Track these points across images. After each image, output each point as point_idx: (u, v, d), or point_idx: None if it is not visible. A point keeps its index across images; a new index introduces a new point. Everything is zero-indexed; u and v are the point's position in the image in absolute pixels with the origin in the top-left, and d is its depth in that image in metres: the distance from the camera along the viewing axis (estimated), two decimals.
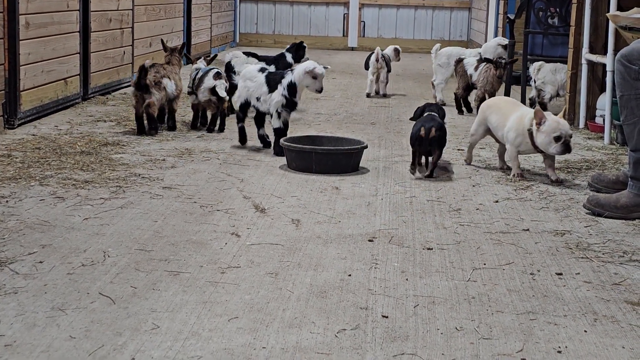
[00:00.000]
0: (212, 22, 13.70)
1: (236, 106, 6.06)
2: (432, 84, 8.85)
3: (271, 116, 5.75)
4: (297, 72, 5.68)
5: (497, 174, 5.48)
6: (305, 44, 7.91)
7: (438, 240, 4.01)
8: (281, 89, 5.69)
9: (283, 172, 5.34)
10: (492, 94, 7.96)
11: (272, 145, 5.86)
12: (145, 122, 6.33)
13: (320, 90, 5.68)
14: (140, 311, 3.02)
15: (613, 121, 6.68)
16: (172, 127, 6.63)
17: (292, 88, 5.68)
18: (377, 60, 8.99)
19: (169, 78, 6.48)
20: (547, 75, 7.95)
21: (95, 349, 2.71)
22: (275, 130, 5.78)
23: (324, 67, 5.72)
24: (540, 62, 8.11)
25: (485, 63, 7.97)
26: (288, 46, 7.85)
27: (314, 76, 5.63)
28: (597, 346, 2.88)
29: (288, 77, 5.70)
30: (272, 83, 5.75)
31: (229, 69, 7.40)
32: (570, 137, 5.13)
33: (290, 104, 5.72)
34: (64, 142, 5.88)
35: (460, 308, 3.17)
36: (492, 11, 12.87)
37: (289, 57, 7.69)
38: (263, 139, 6.03)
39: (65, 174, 4.96)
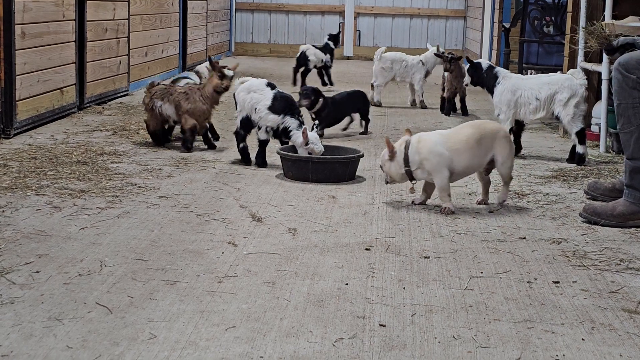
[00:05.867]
0: (207, 32, 13.70)
1: (236, 122, 5.76)
2: (372, 86, 9.18)
3: (259, 128, 5.65)
4: (295, 141, 5.47)
5: (493, 183, 5.48)
6: (338, 34, 10.64)
7: (435, 248, 4.01)
8: (279, 120, 5.52)
9: (279, 181, 5.34)
10: (453, 94, 8.27)
11: (255, 155, 5.74)
12: None
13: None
14: (137, 321, 3.01)
15: (608, 129, 6.69)
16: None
17: (284, 132, 5.56)
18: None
19: (163, 100, 6.18)
20: None
21: (93, 359, 2.71)
22: (262, 142, 5.70)
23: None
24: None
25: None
26: (328, 35, 10.46)
27: (310, 152, 5.44)
28: (595, 354, 2.88)
29: (290, 125, 5.50)
30: (276, 106, 5.54)
31: (305, 58, 10.03)
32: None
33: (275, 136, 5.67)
34: (60, 151, 5.88)
35: (457, 317, 3.17)
36: (487, 20, 12.88)
37: (331, 44, 10.41)
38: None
39: (62, 183, 4.96)
